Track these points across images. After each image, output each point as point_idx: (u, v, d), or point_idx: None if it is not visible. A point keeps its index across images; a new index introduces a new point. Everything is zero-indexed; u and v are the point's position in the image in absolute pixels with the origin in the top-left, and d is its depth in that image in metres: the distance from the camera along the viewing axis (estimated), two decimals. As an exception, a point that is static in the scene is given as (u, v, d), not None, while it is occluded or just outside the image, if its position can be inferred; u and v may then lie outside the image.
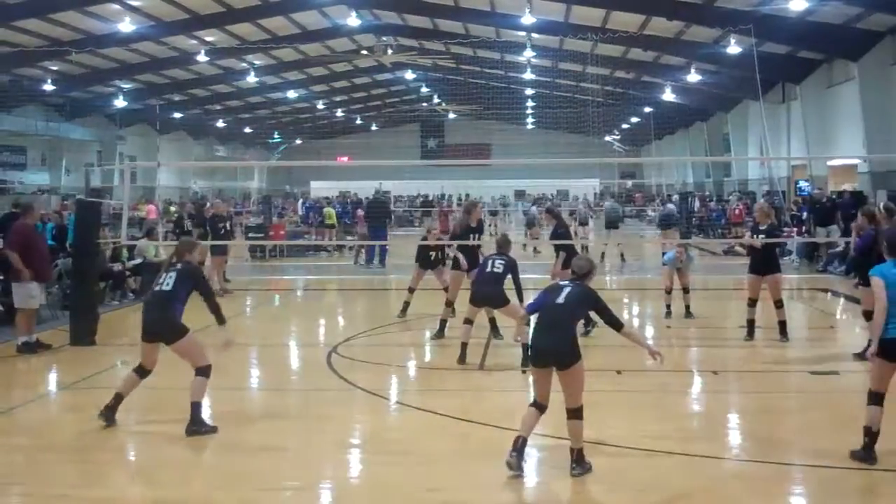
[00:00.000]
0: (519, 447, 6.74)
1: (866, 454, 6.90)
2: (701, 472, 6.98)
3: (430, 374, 11.00)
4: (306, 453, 7.53)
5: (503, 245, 11.48)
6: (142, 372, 8.27)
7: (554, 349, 6.83)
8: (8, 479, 6.93)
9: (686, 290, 14.43)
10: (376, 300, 18.49)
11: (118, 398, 8.19)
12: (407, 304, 14.42)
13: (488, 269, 11.05)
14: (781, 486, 6.73)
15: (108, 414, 8.12)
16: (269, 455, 7.55)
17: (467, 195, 52.23)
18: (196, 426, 7.90)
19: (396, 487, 6.62)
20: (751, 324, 12.33)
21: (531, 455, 7.58)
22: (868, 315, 10.77)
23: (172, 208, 35.78)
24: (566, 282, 7.23)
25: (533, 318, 7.25)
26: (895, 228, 8.74)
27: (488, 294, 10.98)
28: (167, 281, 8.19)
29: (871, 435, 6.91)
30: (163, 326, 8.09)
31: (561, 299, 6.97)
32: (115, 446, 7.89)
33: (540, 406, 6.94)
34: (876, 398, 6.99)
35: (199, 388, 8.00)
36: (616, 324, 7.04)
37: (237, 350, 11.98)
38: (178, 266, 8.33)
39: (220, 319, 8.34)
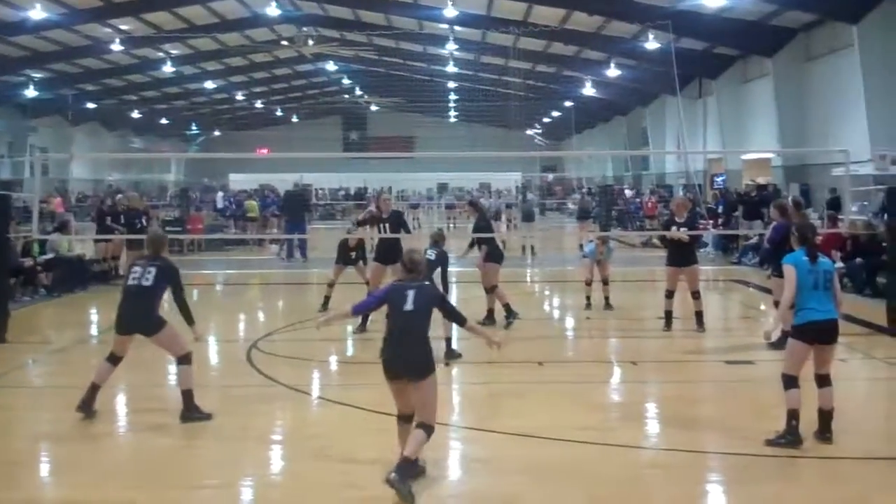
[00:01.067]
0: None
1: (793, 437, 7.09)
2: (622, 461, 7.06)
3: (352, 369, 10.92)
4: (225, 450, 7.40)
5: (437, 239, 11.54)
6: (114, 360, 8.27)
7: (405, 362, 6.37)
8: (-89, 484, 6.65)
9: (605, 282, 14.60)
10: (297, 294, 18.29)
11: (94, 388, 8.13)
12: (327, 298, 14.30)
13: None
14: (699, 473, 6.85)
15: (86, 407, 8.07)
16: (188, 453, 7.41)
17: (389, 188, 52.16)
18: (190, 413, 8.02)
19: (317, 484, 6.55)
20: (668, 315, 12.54)
21: (454, 447, 7.59)
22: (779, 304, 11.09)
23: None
24: (408, 283, 6.63)
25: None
26: (805, 220, 8.93)
27: None
28: (146, 276, 8.09)
29: (796, 417, 7.10)
30: (143, 321, 8.10)
31: (409, 305, 6.43)
32: (28, 447, 7.64)
33: (405, 417, 6.56)
34: (792, 381, 7.20)
35: (185, 376, 8.10)
36: (460, 319, 6.87)
37: (154, 347, 11.76)
38: (158, 262, 8.23)
39: (189, 319, 8.30)
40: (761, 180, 27.84)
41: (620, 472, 6.81)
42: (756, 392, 9.13)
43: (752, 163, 31.90)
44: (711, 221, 24.88)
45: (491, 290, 13.01)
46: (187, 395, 8.07)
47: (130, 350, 8.39)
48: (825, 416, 7.21)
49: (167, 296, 8.35)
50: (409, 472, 6.20)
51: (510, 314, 12.93)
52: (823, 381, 7.25)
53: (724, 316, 15.21)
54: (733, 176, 31.94)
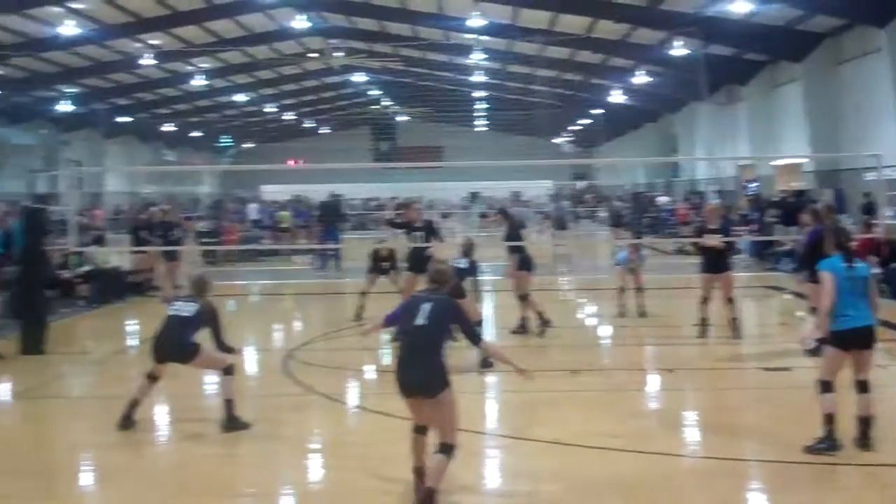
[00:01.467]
0: (421, 479, 6.26)
1: (832, 443, 7.03)
2: (657, 469, 7.04)
3: (388, 378, 10.93)
4: (264, 459, 7.47)
5: (468, 248, 11.63)
6: (153, 378, 8.39)
7: (418, 379, 6.15)
8: (-43, 493, 6.77)
9: (640, 290, 14.56)
10: (332, 304, 18.39)
11: (134, 404, 8.22)
12: (361, 307, 14.38)
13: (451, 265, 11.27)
14: (737, 481, 6.82)
15: (126, 422, 8.16)
16: (227, 462, 7.49)
17: (421, 198, 52.25)
18: (231, 422, 8.09)
19: (355, 492, 6.60)
20: (704, 322, 12.48)
21: (490, 455, 7.62)
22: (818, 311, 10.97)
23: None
24: (425, 295, 6.50)
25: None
26: (839, 225, 8.85)
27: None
28: (186, 309, 8.27)
29: (832, 421, 7.05)
30: (178, 350, 8.21)
31: (421, 320, 6.18)
32: (68, 457, 7.75)
33: (420, 428, 6.34)
34: (826, 386, 7.17)
35: (227, 385, 8.24)
36: (475, 339, 6.53)
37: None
38: (199, 301, 8.37)
39: (229, 352, 8.47)
40: (795, 186, 27.63)
41: (657, 480, 6.79)
42: (794, 399, 9.06)
43: (783, 168, 31.65)
44: (745, 228, 24.69)
45: (523, 298, 13.02)
46: (229, 405, 8.17)
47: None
48: (864, 423, 7.15)
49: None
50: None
51: (543, 322, 12.93)
52: (863, 387, 7.20)
53: (761, 322, 15.11)
54: (765, 182, 31.71)
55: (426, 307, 6.25)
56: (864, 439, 7.13)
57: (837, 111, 26.19)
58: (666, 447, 7.52)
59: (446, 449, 6.03)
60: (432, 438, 6.26)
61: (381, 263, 14.52)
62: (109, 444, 7.92)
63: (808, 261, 10.85)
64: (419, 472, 6.27)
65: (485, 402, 9.75)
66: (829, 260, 7.42)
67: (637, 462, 7.18)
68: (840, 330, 7.14)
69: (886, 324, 11.09)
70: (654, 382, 10.46)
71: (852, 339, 7.14)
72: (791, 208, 23.03)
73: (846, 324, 7.11)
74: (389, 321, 6.75)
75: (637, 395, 9.75)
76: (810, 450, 7.07)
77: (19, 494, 6.74)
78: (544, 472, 6.97)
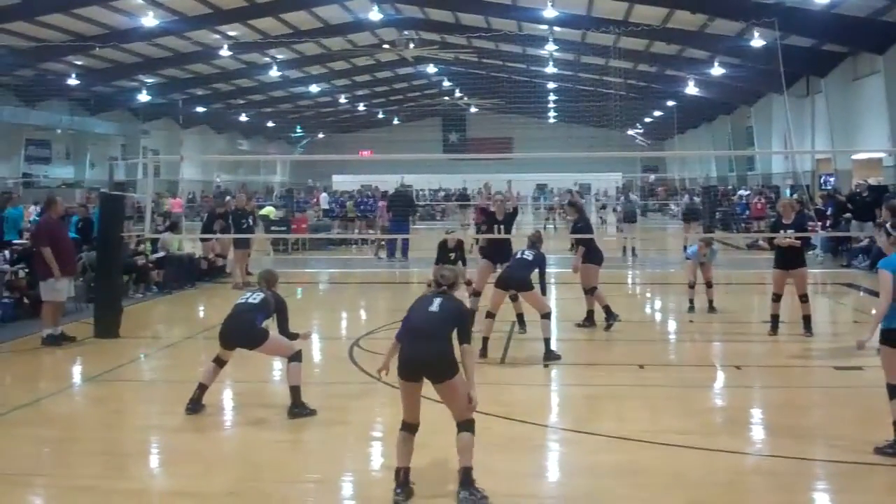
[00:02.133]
0: (402, 481, 6.24)
1: None
2: (723, 467, 6.94)
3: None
4: (328, 446, 7.57)
5: (535, 240, 11.61)
6: (220, 363, 8.55)
7: (427, 359, 6.22)
8: (33, 471, 7.00)
9: (709, 285, 14.33)
10: (398, 293, 18.50)
11: (202, 388, 8.45)
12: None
13: (519, 257, 11.40)
14: (804, 481, 6.70)
15: (194, 405, 8.39)
16: (291, 447, 7.61)
17: (507, 186, 52.13)
18: (298, 409, 8.24)
19: (418, 480, 6.62)
20: (775, 319, 12.24)
21: (552, 449, 7.60)
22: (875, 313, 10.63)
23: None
24: (432, 294, 6.59)
25: None
26: None
27: (516, 278, 11.13)
28: (254, 296, 8.50)
29: None
30: (245, 335, 8.35)
31: (434, 307, 6.40)
32: (139, 438, 7.94)
33: (410, 427, 6.35)
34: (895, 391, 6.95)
35: (295, 372, 8.34)
36: (465, 338, 6.40)
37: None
38: (267, 292, 8.61)
39: (294, 338, 8.70)
40: (872, 181, 26.87)
41: (722, 478, 6.70)
42: (865, 399, 8.84)
43: (862, 163, 30.84)
44: (820, 223, 24.14)
45: (590, 291, 12.93)
46: (295, 391, 8.28)
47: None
48: None
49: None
50: (469, 486, 6.11)
51: (610, 316, 12.82)
52: None
53: (833, 320, 14.77)
54: (843, 176, 30.93)
55: (437, 300, 6.45)
56: None
57: (920, 104, 25.43)
58: (732, 445, 7.40)
59: (467, 426, 6.22)
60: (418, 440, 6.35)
61: (448, 254, 14.55)
62: (177, 428, 8.11)
63: None
64: (406, 474, 6.24)
65: (549, 395, 9.72)
66: (888, 259, 7.17)
67: (702, 459, 7.08)
68: (889, 328, 6.93)
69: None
70: (721, 379, 10.29)
71: None
72: (865, 203, 22.37)
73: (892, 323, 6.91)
74: (400, 336, 6.60)
75: (704, 391, 9.61)
76: (880, 451, 6.90)
77: (91, 474, 6.95)
78: (607, 467, 6.92)
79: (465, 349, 6.36)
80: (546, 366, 10.55)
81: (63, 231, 13.04)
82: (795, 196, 23.28)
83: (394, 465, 6.31)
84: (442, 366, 6.19)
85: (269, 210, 31.06)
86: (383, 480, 6.82)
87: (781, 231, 12.32)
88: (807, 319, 12.15)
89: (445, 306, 6.42)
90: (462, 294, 10.77)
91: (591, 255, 13.00)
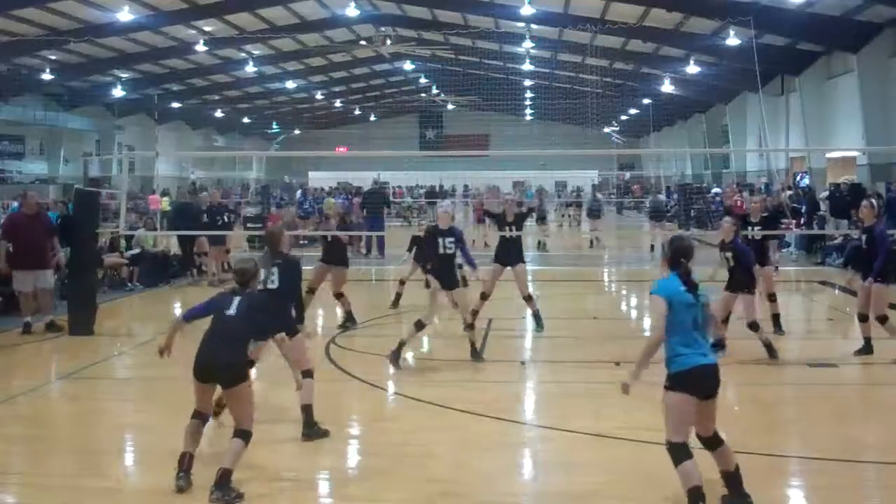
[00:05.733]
0: (186, 466, 6.37)
1: None
2: (699, 463, 6.97)
3: (428, 365, 11.01)
4: (304, 444, 7.53)
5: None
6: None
7: (218, 365, 6.35)
8: (6, 469, 6.94)
9: None
10: (374, 291, 18.48)
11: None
12: (399, 295, 14.45)
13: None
14: (778, 477, 6.75)
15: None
16: (267, 446, 7.56)
17: (465, 186, 52.24)
18: (310, 430, 7.58)
19: (394, 478, 6.63)
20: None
21: (528, 446, 7.62)
22: (862, 317, 10.70)
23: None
24: (234, 292, 6.65)
25: None
26: (681, 235, 6.94)
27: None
28: (271, 278, 7.71)
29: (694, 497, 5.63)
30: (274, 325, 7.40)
31: (231, 310, 6.46)
32: (114, 436, 7.89)
33: (201, 416, 6.58)
34: (680, 451, 5.73)
35: (308, 390, 7.58)
36: (262, 338, 6.79)
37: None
38: (279, 260, 7.84)
39: (300, 318, 8.09)
40: (845, 179, 27.12)
41: (697, 474, 6.73)
42: (839, 396, 8.95)
43: (836, 161, 31.11)
44: (794, 221, 24.32)
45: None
46: (308, 411, 7.65)
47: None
48: None
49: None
50: (224, 487, 6.22)
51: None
52: None
53: (808, 318, 14.89)
54: (817, 174, 31.19)
55: (236, 300, 6.53)
56: None
57: (894, 103, 25.67)
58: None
59: (243, 435, 6.39)
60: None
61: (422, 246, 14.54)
62: (152, 425, 8.06)
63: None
64: (185, 460, 6.41)
65: (525, 392, 9.75)
66: (663, 281, 6.02)
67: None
68: (678, 372, 5.94)
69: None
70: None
71: None
72: (845, 202, 22.59)
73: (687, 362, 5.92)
74: (192, 314, 6.73)
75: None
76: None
77: (64, 472, 6.90)
78: (583, 464, 6.95)
79: (278, 341, 6.71)
80: (523, 363, 10.60)
81: (29, 226, 13.05)
82: (767, 195, 23.43)
83: (370, 463, 6.30)
84: (231, 374, 6.36)
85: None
86: (359, 478, 6.83)
87: (749, 228, 12.45)
88: (776, 318, 12.23)
89: (242, 307, 6.48)
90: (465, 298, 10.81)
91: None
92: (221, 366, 6.35)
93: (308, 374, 7.62)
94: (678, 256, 5.89)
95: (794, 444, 7.56)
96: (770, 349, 10.57)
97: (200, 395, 6.55)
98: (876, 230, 10.55)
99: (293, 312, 7.88)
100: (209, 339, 6.44)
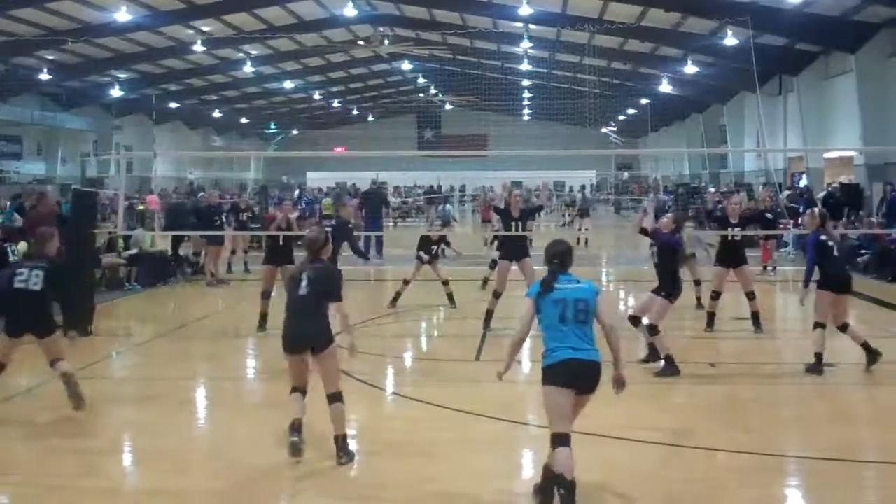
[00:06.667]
0: (297, 428, 6.89)
1: None
2: (695, 463, 7.00)
3: (427, 365, 11.01)
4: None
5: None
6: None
7: (307, 336, 6.92)
8: (4, 469, 6.94)
9: (697, 283, 14.24)
10: (373, 291, 18.47)
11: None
12: (398, 294, 14.47)
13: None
14: (776, 477, 6.76)
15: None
16: (266, 445, 7.56)
17: (463, 186, 52.30)
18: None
19: (393, 478, 6.63)
20: (711, 316, 12.40)
21: (526, 446, 7.61)
22: (840, 328, 10.58)
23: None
24: (306, 266, 7.10)
25: None
26: (556, 241, 6.39)
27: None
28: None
29: None
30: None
31: (303, 290, 6.98)
32: (112, 437, 7.89)
33: (300, 390, 7.08)
34: (554, 440, 5.92)
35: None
36: (335, 300, 7.07)
37: (233, 339, 12.02)
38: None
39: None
40: (843, 179, 27.18)
41: (694, 474, 6.75)
42: (835, 395, 8.96)
43: (834, 161, 31.14)
44: (792, 221, 24.33)
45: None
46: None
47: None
48: None
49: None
50: (347, 450, 6.93)
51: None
52: None
53: (804, 317, 14.86)
54: (815, 174, 31.22)
55: (305, 276, 6.99)
56: None
57: (891, 104, 25.70)
58: (704, 441, 7.44)
59: (335, 397, 6.97)
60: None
61: (430, 246, 14.59)
62: (150, 426, 8.07)
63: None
64: (296, 424, 6.93)
65: (523, 392, 9.74)
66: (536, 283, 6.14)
67: (674, 455, 7.14)
68: (550, 365, 6.07)
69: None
70: (694, 376, 10.31)
71: None
72: (838, 203, 22.67)
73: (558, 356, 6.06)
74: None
75: (676, 388, 9.65)
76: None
77: (63, 472, 6.89)
78: (580, 463, 6.92)
79: (340, 311, 7.10)
80: (519, 362, 10.59)
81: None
82: (743, 195, 23.57)
83: (369, 463, 6.29)
84: (316, 339, 6.90)
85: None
86: (358, 478, 6.83)
87: (729, 229, 12.50)
88: (755, 316, 12.28)
89: (311, 283, 6.95)
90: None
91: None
92: (310, 336, 6.92)
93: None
94: (549, 258, 6.18)
95: (793, 444, 7.56)
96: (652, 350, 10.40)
97: (296, 370, 7.05)
98: (809, 238, 10.56)
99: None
100: (292, 318, 7.00)
